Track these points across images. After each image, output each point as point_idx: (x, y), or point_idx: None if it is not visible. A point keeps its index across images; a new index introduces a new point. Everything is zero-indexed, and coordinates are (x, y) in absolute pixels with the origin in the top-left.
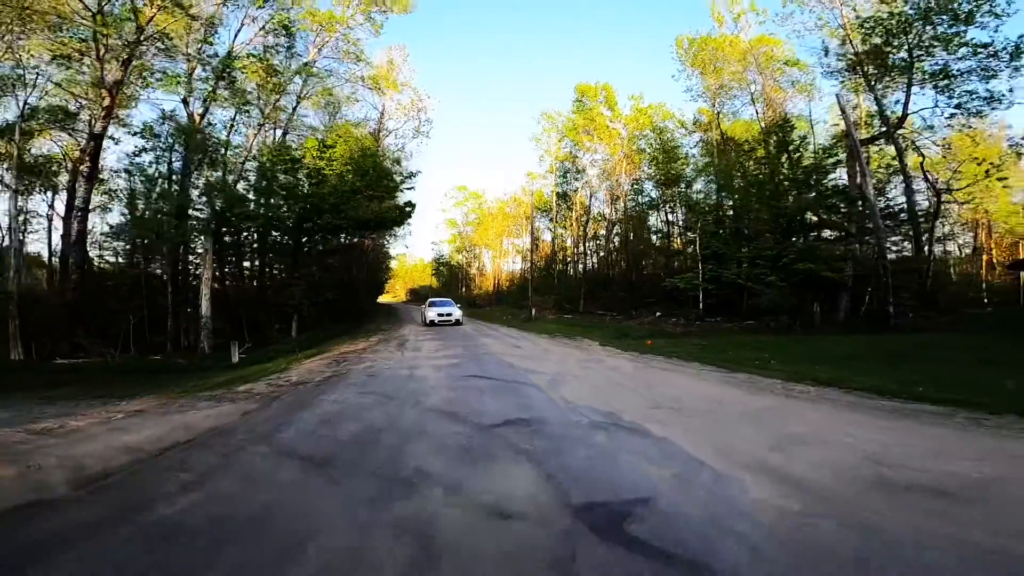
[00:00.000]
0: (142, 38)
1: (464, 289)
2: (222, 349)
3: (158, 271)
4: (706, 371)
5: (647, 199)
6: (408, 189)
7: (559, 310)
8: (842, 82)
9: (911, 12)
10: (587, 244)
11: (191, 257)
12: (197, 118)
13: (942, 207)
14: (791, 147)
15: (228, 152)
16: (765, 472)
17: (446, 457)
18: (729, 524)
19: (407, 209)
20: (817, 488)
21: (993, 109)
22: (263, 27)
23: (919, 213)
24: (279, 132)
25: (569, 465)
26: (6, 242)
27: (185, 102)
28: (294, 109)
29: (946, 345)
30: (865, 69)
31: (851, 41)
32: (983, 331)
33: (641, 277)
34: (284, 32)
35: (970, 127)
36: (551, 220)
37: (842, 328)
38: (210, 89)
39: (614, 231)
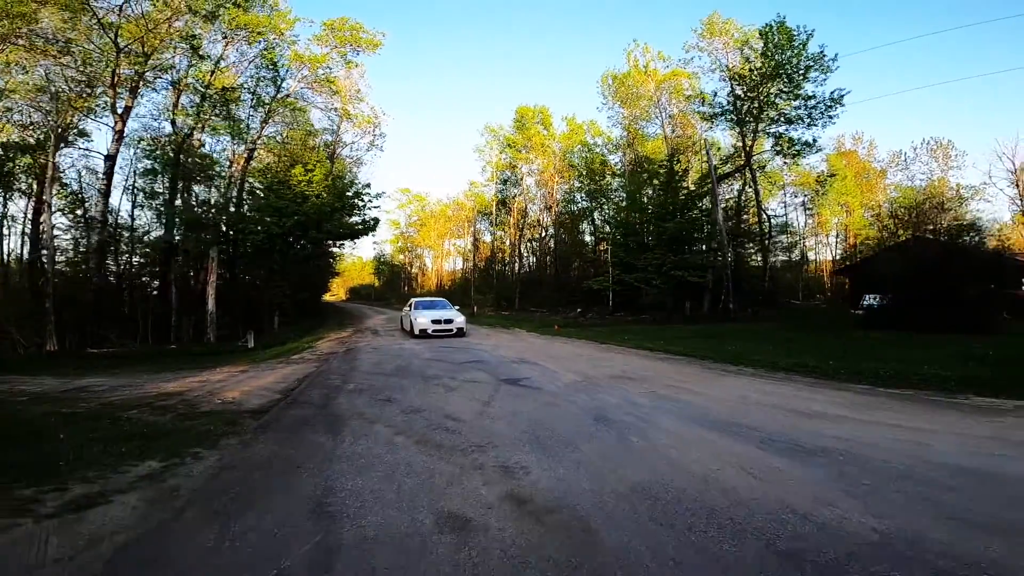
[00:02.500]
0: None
1: (407, 288)
2: (224, 339)
3: (147, 276)
4: (587, 344)
5: (577, 207)
6: (375, 207)
7: (497, 307)
8: (711, 128)
9: (769, 67)
10: (524, 246)
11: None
12: (197, 141)
13: (804, 225)
14: (676, 178)
15: (216, 169)
16: (577, 373)
17: (445, 371)
18: (553, 383)
19: (371, 223)
20: (591, 377)
21: (808, 155)
22: (251, 60)
23: (768, 232)
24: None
25: (500, 371)
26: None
27: (173, 123)
28: (262, 126)
29: (745, 329)
30: (736, 114)
31: (733, 87)
32: (788, 321)
33: (568, 278)
34: (271, 66)
35: (797, 164)
36: (491, 224)
37: (703, 319)
38: (195, 113)
39: (548, 235)
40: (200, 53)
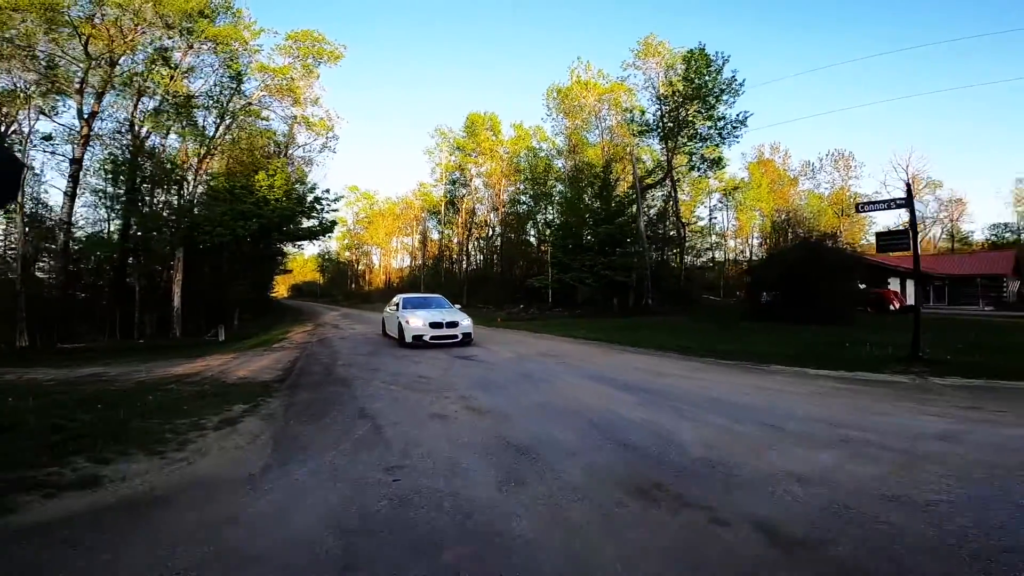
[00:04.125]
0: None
1: (354, 285)
2: (188, 334)
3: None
4: (524, 333)
5: (523, 208)
6: (333, 211)
7: None
8: (639, 143)
9: (690, 90)
10: (471, 245)
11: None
12: (160, 146)
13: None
14: (608, 187)
15: (177, 173)
16: (512, 352)
17: (411, 352)
18: (494, 358)
19: (328, 225)
20: (523, 355)
21: (717, 170)
22: (215, 69)
23: (683, 237)
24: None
25: (453, 351)
26: None
27: (131, 125)
28: (223, 131)
29: (659, 322)
30: (661, 130)
31: (660, 106)
32: (695, 314)
33: (513, 276)
34: (235, 76)
35: (711, 176)
36: (440, 223)
37: (627, 314)
38: (155, 117)
39: (495, 235)
40: (171, 64)
